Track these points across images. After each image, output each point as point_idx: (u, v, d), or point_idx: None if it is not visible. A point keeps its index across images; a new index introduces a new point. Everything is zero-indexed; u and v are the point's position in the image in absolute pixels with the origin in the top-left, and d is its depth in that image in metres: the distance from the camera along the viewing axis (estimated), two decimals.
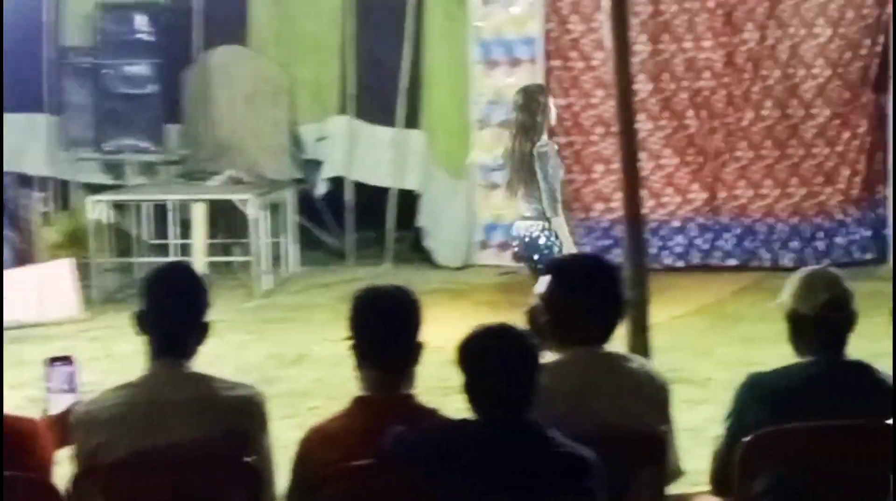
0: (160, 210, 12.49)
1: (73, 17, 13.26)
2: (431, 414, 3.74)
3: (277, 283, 12.05)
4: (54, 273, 10.76)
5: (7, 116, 12.28)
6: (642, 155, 11.97)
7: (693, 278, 11.89)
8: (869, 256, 12.11)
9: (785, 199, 12.24)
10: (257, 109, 13.03)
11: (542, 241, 7.68)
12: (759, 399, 3.96)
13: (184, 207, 12.13)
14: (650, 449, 3.86)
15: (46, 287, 10.52)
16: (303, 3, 13.28)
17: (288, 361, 9.11)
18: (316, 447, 3.70)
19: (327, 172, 13.33)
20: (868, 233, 12.16)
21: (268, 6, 13.33)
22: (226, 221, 12.78)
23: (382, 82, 13.06)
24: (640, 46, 12.15)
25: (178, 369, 3.84)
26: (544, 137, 7.81)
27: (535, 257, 7.63)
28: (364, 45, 13.14)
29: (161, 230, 12.51)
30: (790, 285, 4.11)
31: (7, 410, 3.81)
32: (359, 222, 13.20)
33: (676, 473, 4.06)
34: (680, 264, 12.31)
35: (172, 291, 3.89)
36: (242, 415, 3.80)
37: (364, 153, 13.17)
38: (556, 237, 7.65)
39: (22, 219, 11.70)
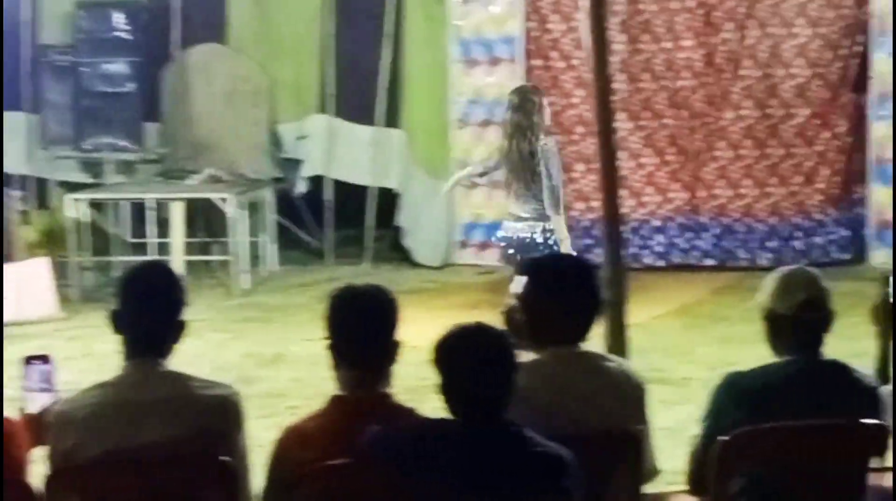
0: (139, 209, 12.45)
1: (51, 15, 13.21)
2: (408, 414, 3.74)
3: (256, 282, 12.02)
4: (32, 272, 10.71)
5: None
6: (623, 154, 12.02)
7: (673, 278, 11.91)
8: (847, 256, 12.14)
9: (764, 198, 12.26)
10: (236, 107, 13.00)
11: (539, 239, 7.67)
12: (735, 399, 3.96)
13: (162, 205, 12.09)
14: (626, 449, 3.86)
15: (24, 286, 10.46)
16: (282, 2, 13.25)
17: (266, 360, 9.09)
18: (292, 446, 3.69)
19: (307, 170, 13.31)
20: (846, 233, 12.19)
21: (247, 5, 13.30)
22: (205, 220, 12.76)
23: (362, 81, 13.05)
24: (621, 46, 12.16)
25: (153, 368, 3.82)
26: (542, 135, 7.79)
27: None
28: (343, 43, 13.12)
29: (139, 229, 12.47)
30: (767, 285, 4.11)
31: None
32: (338, 221, 13.18)
33: (653, 472, 4.06)
34: (661, 263, 12.33)
35: (147, 290, 3.87)
36: (218, 415, 3.78)
37: (344, 152, 13.15)
38: (554, 239, 7.64)
39: None
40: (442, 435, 3.45)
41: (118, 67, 12.87)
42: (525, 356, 3.88)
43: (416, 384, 4.26)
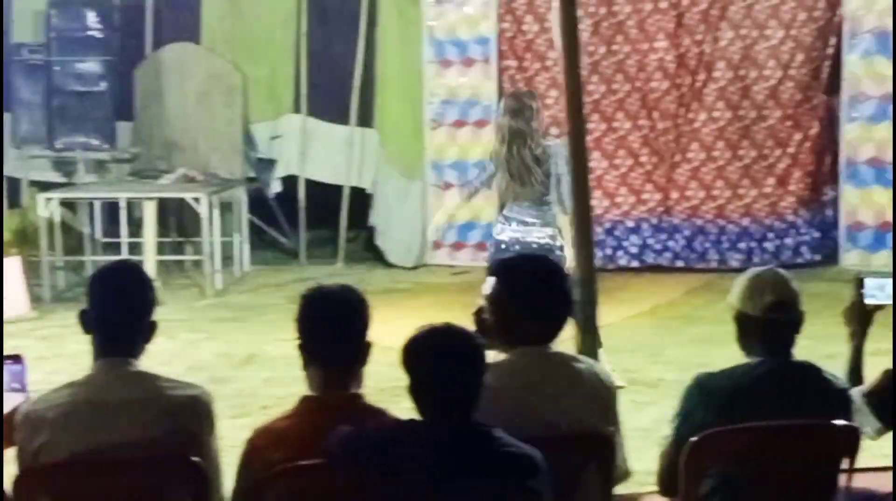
0: (111, 208, 12.40)
1: (23, 13, 13.15)
2: (379, 414, 3.73)
3: (229, 282, 12.01)
4: (3, 271, 10.66)
5: None
6: (596, 155, 12.08)
7: (646, 279, 11.95)
8: (818, 257, 12.18)
9: (736, 200, 12.29)
10: (210, 107, 12.96)
11: (552, 242, 7.64)
12: (705, 400, 3.96)
13: (135, 205, 12.05)
14: (597, 450, 3.87)
15: None
16: (256, 2, 13.25)
17: (239, 360, 9.08)
18: (262, 447, 3.68)
19: (280, 171, 13.31)
20: (818, 234, 12.23)
21: (220, 4, 13.29)
22: (177, 219, 12.74)
23: (336, 81, 13.05)
24: (594, 48, 12.20)
25: (123, 368, 3.80)
26: (541, 140, 7.75)
27: None
28: (317, 43, 13.12)
29: (112, 229, 12.43)
30: (737, 287, 4.12)
31: None
32: (311, 221, 13.18)
33: (624, 474, 4.06)
34: (635, 264, 12.35)
35: (117, 289, 3.86)
36: (188, 415, 3.77)
37: (317, 151, 13.15)
38: (561, 242, 7.62)
39: None
40: (410, 436, 3.44)
41: (91, 65, 12.83)
42: (495, 357, 3.89)
43: (389, 385, 4.26)
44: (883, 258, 11.78)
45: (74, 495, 3.63)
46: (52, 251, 11.57)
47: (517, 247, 7.68)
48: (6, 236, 11.67)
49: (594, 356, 5.37)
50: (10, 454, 3.82)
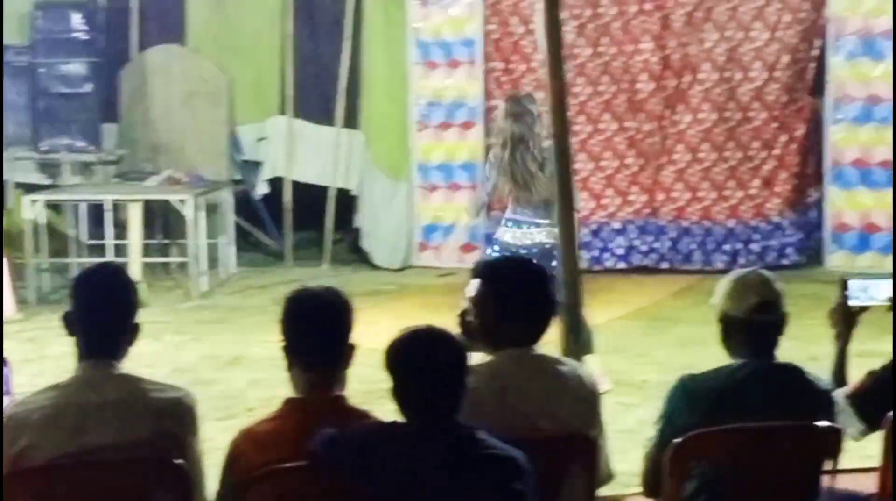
0: (96, 210, 12.37)
1: (8, 15, 13.07)
2: (363, 416, 3.72)
3: (215, 284, 11.99)
4: (3, 272, 10.63)
5: None
6: (582, 157, 12.09)
7: (632, 281, 11.95)
8: (803, 259, 12.20)
9: (722, 202, 12.30)
10: (195, 109, 12.94)
11: (547, 244, 7.61)
12: (689, 401, 3.97)
13: (120, 207, 12.02)
14: (580, 452, 3.87)
15: None
16: (241, 3, 13.23)
17: (224, 362, 9.06)
18: (246, 449, 3.67)
19: (266, 173, 13.29)
20: (803, 236, 12.25)
21: (206, 5, 13.27)
22: (163, 221, 12.72)
23: (321, 83, 13.05)
24: (580, 49, 12.22)
25: (106, 370, 3.80)
26: (543, 144, 7.72)
27: (553, 264, 7.39)
28: (303, 44, 13.12)
29: (97, 231, 12.40)
30: (721, 288, 4.13)
31: None
32: (297, 223, 13.16)
33: (607, 476, 4.06)
34: (622, 265, 12.35)
35: (100, 292, 3.86)
36: (172, 417, 3.77)
37: (303, 153, 13.14)
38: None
39: None
40: (394, 438, 3.44)
41: (76, 67, 12.81)
42: (478, 358, 3.89)
43: (374, 387, 4.25)
44: (868, 260, 11.82)
45: (58, 497, 3.62)
46: (37, 253, 11.54)
47: (519, 249, 7.67)
48: None
49: (578, 358, 5.36)
50: None
